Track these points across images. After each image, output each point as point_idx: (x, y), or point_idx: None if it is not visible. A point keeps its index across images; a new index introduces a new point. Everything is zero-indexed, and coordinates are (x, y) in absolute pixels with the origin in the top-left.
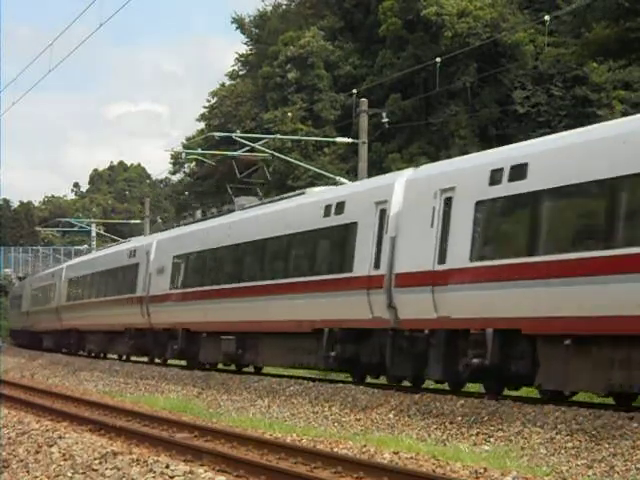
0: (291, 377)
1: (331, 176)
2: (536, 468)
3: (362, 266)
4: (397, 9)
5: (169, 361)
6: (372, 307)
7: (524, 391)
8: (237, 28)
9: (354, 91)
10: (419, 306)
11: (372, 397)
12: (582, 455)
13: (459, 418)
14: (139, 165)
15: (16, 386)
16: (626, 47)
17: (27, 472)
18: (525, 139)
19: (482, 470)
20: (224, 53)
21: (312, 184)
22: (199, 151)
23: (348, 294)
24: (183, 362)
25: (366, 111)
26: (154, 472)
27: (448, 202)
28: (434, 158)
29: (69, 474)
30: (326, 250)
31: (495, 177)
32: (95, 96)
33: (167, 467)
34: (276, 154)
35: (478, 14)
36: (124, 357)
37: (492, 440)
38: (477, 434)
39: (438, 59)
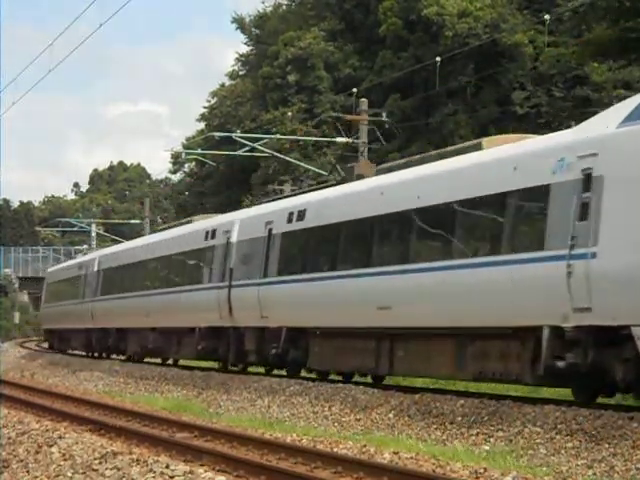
0: (291, 377)
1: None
2: (536, 468)
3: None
4: (397, 9)
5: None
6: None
7: (525, 391)
8: (237, 28)
9: (354, 90)
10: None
11: (372, 397)
12: (582, 455)
13: (459, 418)
14: (139, 165)
15: (16, 386)
16: (626, 47)
17: (27, 472)
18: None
19: (482, 470)
20: (224, 53)
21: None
22: (199, 151)
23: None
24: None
25: (366, 111)
26: (154, 472)
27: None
28: None
29: (69, 474)
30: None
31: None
32: (95, 96)
33: (167, 467)
34: (276, 154)
35: (478, 15)
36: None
37: (492, 440)
38: (477, 434)
39: (438, 58)
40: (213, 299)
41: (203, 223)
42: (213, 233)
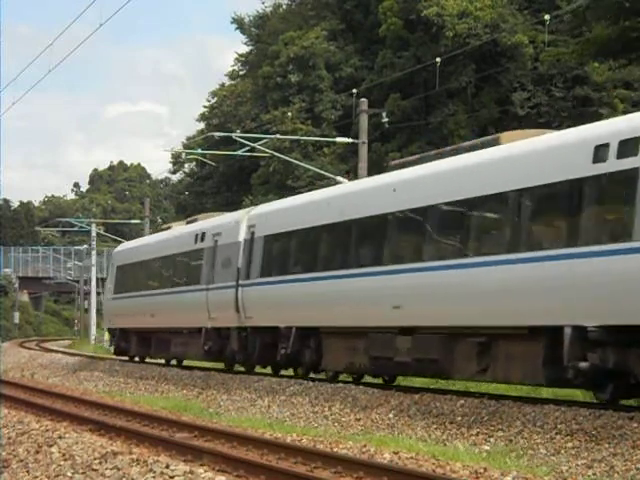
0: (291, 377)
1: (331, 176)
2: (536, 468)
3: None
4: (397, 9)
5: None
6: None
7: (524, 391)
8: (237, 28)
9: (354, 91)
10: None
11: (372, 397)
12: (582, 455)
13: (459, 418)
14: (139, 165)
15: (16, 386)
16: (626, 46)
17: (27, 472)
18: None
19: (482, 470)
20: (224, 53)
21: (312, 184)
22: (199, 151)
23: None
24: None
25: (366, 111)
26: (154, 472)
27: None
28: None
29: (69, 474)
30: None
31: None
32: (94, 96)
33: (167, 467)
34: (276, 154)
35: (478, 15)
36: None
37: (492, 440)
38: (477, 434)
39: (438, 59)
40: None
41: (551, 139)
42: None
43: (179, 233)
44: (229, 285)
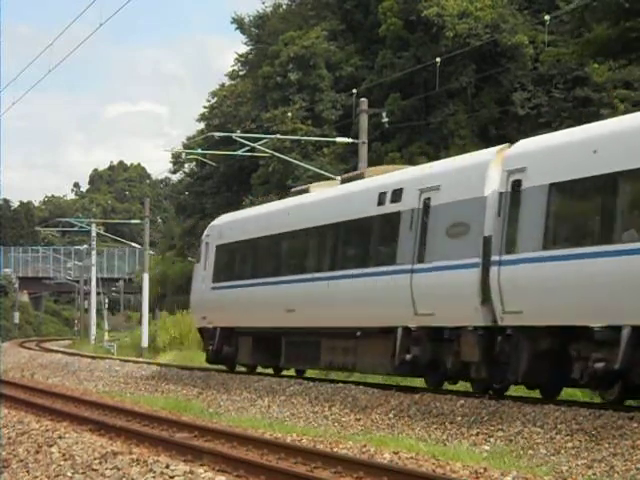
0: (291, 377)
1: (331, 176)
2: (536, 468)
3: None
4: (397, 10)
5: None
6: None
7: (524, 391)
8: (237, 28)
9: (354, 91)
10: None
11: (372, 397)
12: (582, 455)
13: (459, 418)
14: (139, 165)
15: (16, 386)
16: (626, 47)
17: (27, 472)
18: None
19: (482, 470)
20: (224, 53)
21: None
22: (199, 151)
23: None
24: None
25: (366, 111)
26: (154, 472)
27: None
28: (434, 158)
29: (69, 474)
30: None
31: None
32: (94, 96)
33: (167, 467)
34: (276, 154)
35: (478, 15)
36: None
37: (492, 440)
38: (477, 434)
39: (438, 59)
40: None
41: None
42: None
43: (338, 194)
44: (464, 264)
